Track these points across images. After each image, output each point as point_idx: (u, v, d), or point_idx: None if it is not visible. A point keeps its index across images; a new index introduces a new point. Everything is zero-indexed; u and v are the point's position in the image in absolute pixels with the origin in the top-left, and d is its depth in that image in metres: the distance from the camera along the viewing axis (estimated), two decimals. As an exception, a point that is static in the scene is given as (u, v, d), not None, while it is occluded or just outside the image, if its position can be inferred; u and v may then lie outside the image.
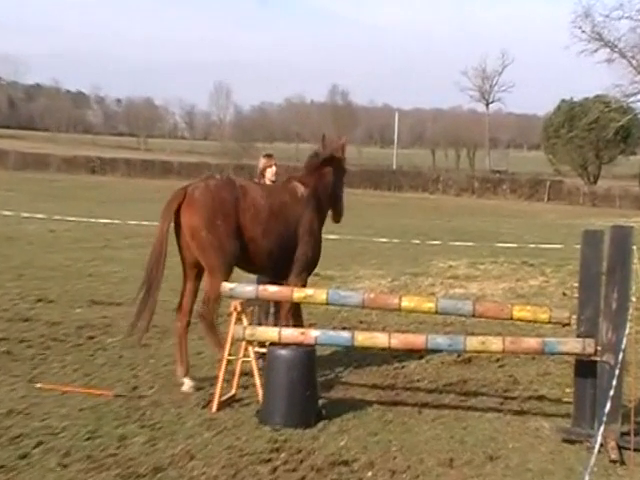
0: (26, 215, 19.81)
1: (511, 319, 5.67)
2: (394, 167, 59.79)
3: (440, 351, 7.04)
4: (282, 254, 6.51)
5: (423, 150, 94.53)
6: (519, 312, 5.58)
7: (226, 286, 6.06)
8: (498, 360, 7.64)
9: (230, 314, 6.08)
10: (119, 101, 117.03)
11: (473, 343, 5.55)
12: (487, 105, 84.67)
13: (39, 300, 9.77)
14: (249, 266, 6.66)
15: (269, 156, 7.57)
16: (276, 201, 6.59)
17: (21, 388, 6.25)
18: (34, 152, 53.62)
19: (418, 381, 6.95)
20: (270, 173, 7.45)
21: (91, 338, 8.00)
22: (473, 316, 5.72)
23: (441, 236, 19.70)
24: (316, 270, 13.49)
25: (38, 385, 6.29)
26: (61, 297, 10.09)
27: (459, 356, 7.64)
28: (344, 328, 8.56)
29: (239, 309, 5.97)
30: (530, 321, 5.75)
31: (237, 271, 6.72)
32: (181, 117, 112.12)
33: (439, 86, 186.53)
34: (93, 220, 19.52)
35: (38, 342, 7.74)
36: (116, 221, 19.07)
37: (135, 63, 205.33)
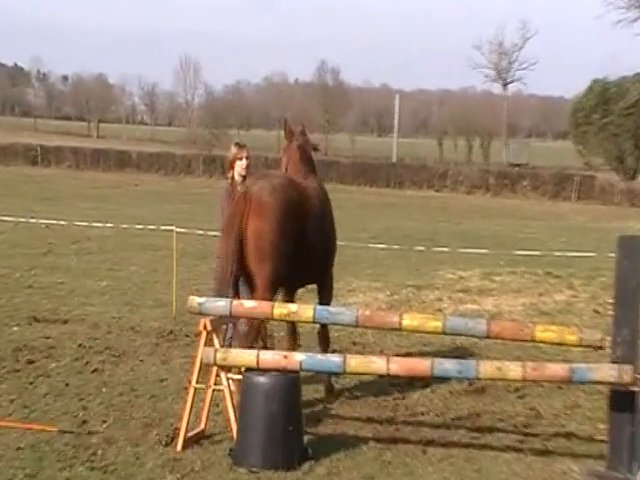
0: (-48, 214, 19.69)
1: (533, 341, 5.70)
2: (394, 159, 59.93)
3: (448, 379, 7.06)
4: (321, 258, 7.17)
5: (428, 139, 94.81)
6: (542, 333, 5.61)
7: (194, 300, 6.05)
8: (517, 390, 7.66)
9: (199, 334, 6.07)
10: (65, 78, 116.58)
11: (487, 369, 5.57)
12: (505, 86, 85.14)
13: (-32, 317, 9.72)
14: (291, 278, 6.86)
15: (240, 146, 7.57)
16: (323, 200, 7.17)
17: (-54, 422, 6.21)
18: (-38, 139, 53.36)
19: (422, 414, 6.97)
20: (240, 166, 7.42)
21: (31, 362, 7.96)
22: (487, 337, 5.74)
23: (449, 242, 19.76)
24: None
25: (-34, 419, 6.25)
26: (-5, 313, 10.04)
27: (471, 385, 7.65)
28: (334, 351, 8.56)
29: (209, 328, 5.97)
30: (556, 343, 5.78)
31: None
32: (140, 98, 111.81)
33: (447, 63, 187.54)
34: (33, 221, 19.38)
35: (-34, 367, 7.69)
36: (61, 222, 18.92)
37: (84, 33, 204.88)
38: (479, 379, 6.08)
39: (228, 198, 7.15)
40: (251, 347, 6.29)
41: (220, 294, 6.38)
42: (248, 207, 6.48)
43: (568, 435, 6.58)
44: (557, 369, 5.63)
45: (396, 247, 17.71)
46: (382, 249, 17.29)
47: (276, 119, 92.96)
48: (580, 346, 5.71)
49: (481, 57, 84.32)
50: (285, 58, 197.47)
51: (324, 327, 7.52)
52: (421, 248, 17.93)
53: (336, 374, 7.16)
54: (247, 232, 6.47)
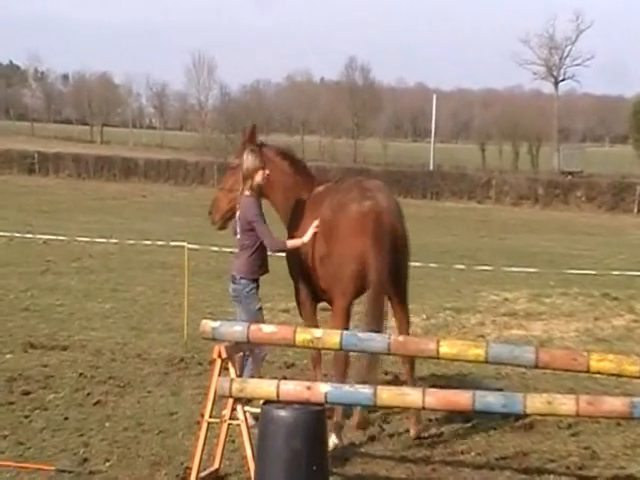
0: (-59, 229, 19.96)
1: (588, 372, 5.66)
2: (431, 167, 59.94)
3: (492, 414, 7.03)
4: None
5: (469, 145, 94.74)
6: (598, 362, 5.57)
7: (207, 324, 6.09)
8: (570, 426, 7.63)
9: (212, 362, 6.10)
10: (65, 78, 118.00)
11: (536, 403, 5.55)
12: (556, 84, 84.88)
13: (-43, 342, 9.84)
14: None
15: (257, 154, 7.60)
16: None
17: None
18: (-47, 145, 54.12)
19: (462, 453, 6.95)
20: (261, 176, 7.43)
21: (26, 394, 8.04)
22: (536, 367, 5.72)
23: (493, 259, 19.71)
24: (325, 305, 13.59)
25: (-44, 455, 6.31)
26: (-13, 338, 10.15)
27: (517, 420, 7.63)
28: (364, 381, 8.55)
29: (224, 355, 6.00)
30: (614, 375, 5.74)
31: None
32: (148, 100, 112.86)
33: (491, 60, 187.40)
34: (30, 236, 19.60)
35: (-44, 398, 7.78)
36: (61, 237, 19.13)
37: (87, 27, 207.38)
38: (527, 414, 6.05)
39: (259, 210, 7.30)
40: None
41: (378, 329, 6.85)
42: (389, 228, 7.09)
43: (628, 478, 6.52)
44: (615, 403, 5.59)
45: (433, 265, 17.67)
46: (418, 267, 17.16)
47: (299, 122, 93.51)
48: (641, 377, 5.67)
49: (529, 52, 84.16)
50: (310, 55, 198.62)
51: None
52: (461, 266, 17.91)
53: (366, 407, 7.15)
54: (395, 256, 7.09)
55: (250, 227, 7.28)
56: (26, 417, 7.37)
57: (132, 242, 14.86)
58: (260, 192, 7.50)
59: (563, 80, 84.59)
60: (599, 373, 5.79)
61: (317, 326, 7.52)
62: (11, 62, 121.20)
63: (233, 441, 6.58)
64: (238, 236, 7.40)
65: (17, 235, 19.15)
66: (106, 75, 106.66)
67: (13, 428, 7.07)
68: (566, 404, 5.53)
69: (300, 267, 7.59)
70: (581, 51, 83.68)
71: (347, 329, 6.94)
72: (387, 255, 7.03)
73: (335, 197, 7.34)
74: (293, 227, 7.64)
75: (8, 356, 9.40)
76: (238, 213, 7.37)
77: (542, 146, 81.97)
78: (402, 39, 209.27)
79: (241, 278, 7.38)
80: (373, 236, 7.02)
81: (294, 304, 12.91)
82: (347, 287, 7.30)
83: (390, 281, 7.19)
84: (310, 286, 7.70)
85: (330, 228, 7.19)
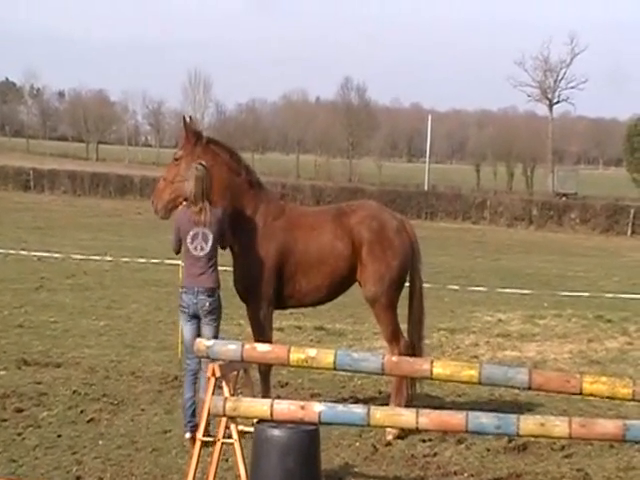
0: (-64, 244, 19.94)
1: (581, 394, 5.67)
2: (425, 187, 60.10)
3: (485, 435, 7.03)
4: None
5: (464, 165, 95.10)
6: (592, 385, 5.59)
7: (201, 343, 6.10)
8: (563, 448, 7.63)
9: (207, 381, 6.11)
10: (61, 95, 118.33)
11: (529, 425, 5.56)
12: (550, 106, 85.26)
13: (-50, 359, 9.82)
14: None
15: None
16: None
17: None
18: (-52, 161, 54.09)
19: (456, 474, 6.95)
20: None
21: (19, 411, 8.01)
22: (529, 389, 5.73)
23: (487, 280, 19.73)
24: (321, 323, 13.62)
25: (-52, 473, 6.30)
26: (-20, 355, 10.13)
27: (510, 442, 7.62)
28: (357, 401, 8.56)
29: (218, 374, 6.00)
30: (607, 397, 5.76)
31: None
32: (144, 117, 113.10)
33: (486, 81, 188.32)
34: (24, 253, 19.62)
35: (-51, 415, 7.77)
36: (55, 254, 19.17)
37: (84, 44, 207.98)
38: (520, 436, 6.05)
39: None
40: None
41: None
42: (416, 247, 8.34)
43: (621, 500, 6.52)
44: (608, 426, 5.60)
45: (427, 285, 17.60)
46: (412, 288, 17.25)
47: (295, 141, 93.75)
48: (635, 400, 5.68)
49: (524, 74, 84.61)
50: (305, 74, 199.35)
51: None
52: (455, 287, 17.93)
53: (360, 426, 7.15)
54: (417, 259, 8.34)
55: (222, 237, 7.46)
56: (19, 434, 7.36)
57: (127, 260, 14.87)
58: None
59: (557, 102, 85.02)
60: (592, 395, 5.81)
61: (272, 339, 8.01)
62: (7, 79, 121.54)
63: (227, 460, 6.58)
64: (206, 250, 7.37)
65: (12, 252, 19.17)
66: (102, 92, 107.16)
67: (6, 445, 7.05)
68: (559, 426, 5.54)
69: (286, 278, 7.91)
70: (575, 74, 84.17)
71: None
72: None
73: (367, 218, 8.07)
74: (250, 241, 7.83)
75: (1, 373, 9.37)
76: (205, 226, 7.35)
77: (536, 167, 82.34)
78: (398, 60, 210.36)
79: (218, 291, 7.49)
80: (417, 249, 8.36)
81: (289, 322, 13.08)
82: (399, 293, 8.27)
83: None
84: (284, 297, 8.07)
85: (371, 244, 7.95)
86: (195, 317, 7.43)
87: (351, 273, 8.01)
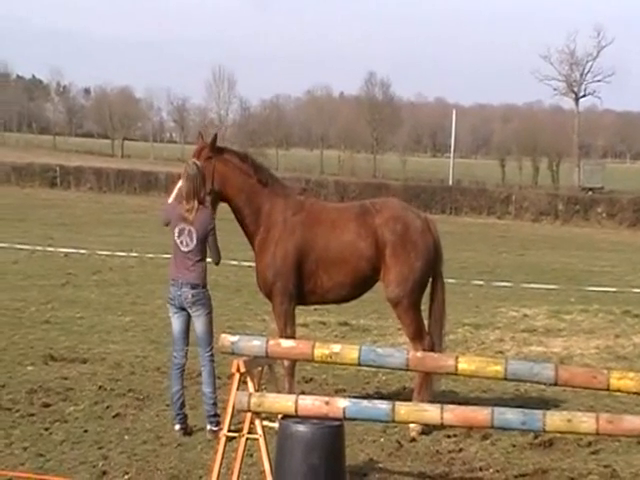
0: (-37, 241, 20.14)
1: (608, 389, 5.64)
2: (450, 182, 59.89)
3: (511, 430, 7.00)
4: None
5: (489, 160, 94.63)
6: (619, 380, 5.54)
7: (226, 339, 6.11)
8: (590, 444, 7.57)
9: (231, 376, 6.12)
10: (87, 92, 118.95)
11: (555, 421, 5.52)
12: (577, 100, 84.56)
13: (-22, 354, 9.91)
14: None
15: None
16: None
17: (-47, 471, 6.32)
18: (-25, 158, 54.56)
19: (481, 469, 6.92)
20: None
21: (46, 406, 8.09)
22: (555, 384, 5.70)
23: (512, 275, 19.64)
24: (345, 319, 13.61)
25: (-25, 467, 6.36)
26: (7, 351, 10.23)
27: (536, 437, 7.59)
28: (382, 397, 8.55)
29: (243, 369, 6.01)
30: (634, 393, 5.71)
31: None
32: (169, 114, 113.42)
33: (511, 75, 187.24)
34: (51, 249, 19.78)
35: (-24, 410, 7.84)
36: (81, 251, 19.32)
37: (109, 42, 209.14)
38: (546, 431, 6.02)
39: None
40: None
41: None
42: (439, 247, 8.28)
43: (648, 497, 6.47)
44: (636, 422, 5.55)
45: (452, 281, 17.63)
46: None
47: (319, 137, 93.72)
48: (661, 396, 5.63)
49: (549, 68, 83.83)
50: (329, 70, 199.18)
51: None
52: (480, 282, 17.88)
53: (384, 422, 7.14)
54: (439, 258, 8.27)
55: (206, 237, 7.52)
56: (46, 429, 7.42)
57: (152, 256, 14.93)
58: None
59: (584, 96, 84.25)
60: (619, 391, 5.77)
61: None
62: (34, 76, 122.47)
63: (251, 455, 6.59)
64: (190, 247, 7.48)
65: (38, 248, 19.34)
66: (127, 89, 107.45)
67: (33, 440, 7.11)
68: (586, 422, 5.50)
69: (313, 274, 7.99)
70: (602, 67, 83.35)
71: None
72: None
73: (392, 219, 8.04)
74: (269, 236, 7.94)
75: (29, 368, 9.46)
76: (192, 224, 7.46)
77: (562, 162, 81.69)
78: (422, 54, 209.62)
79: (202, 286, 7.55)
80: (440, 248, 8.28)
81: (313, 318, 13.08)
82: (421, 293, 8.23)
83: None
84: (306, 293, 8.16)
85: (395, 246, 7.93)
86: (182, 309, 7.55)
87: (374, 273, 8.02)
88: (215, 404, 7.51)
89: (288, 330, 8.00)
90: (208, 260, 7.62)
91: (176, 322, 7.60)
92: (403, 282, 7.94)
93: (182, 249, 7.50)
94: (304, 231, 7.95)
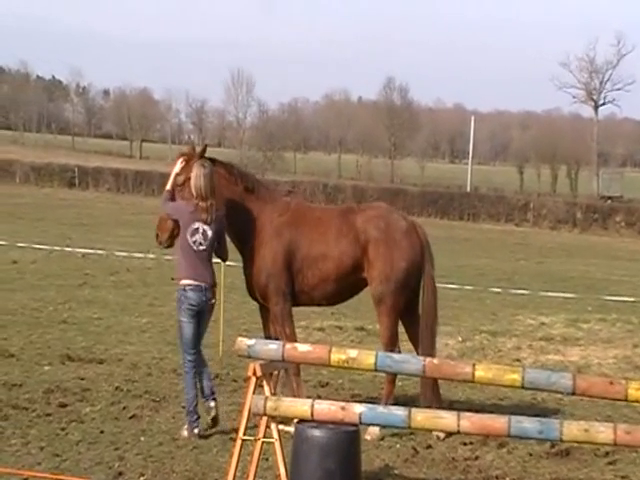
0: (-19, 240, 20.26)
1: (626, 400, 5.61)
2: (468, 189, 59.79)
3: (528, 439, 6.97)
4: None
5: (507, 167, 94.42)
6: (637, 391, 5.51)
7: (243, 342, 6.12)
8: (607, 454, 7.53)
9: (247, 379, 6.13)
10: (106, 93, 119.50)
11: (573, 430, 5.50)
12: (596, 108, 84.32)
13: (-5, 354, 9.96)
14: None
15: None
16: None
17: (-30, 470, 6.36)
18: (-6, 157, 54.88)
19: (497, 478, 6.90)
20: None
21: (63, 406, 8.11)
22: (573, 394, 5.67)
23: (530, 283, 19.57)
24: (361, 324, 13.59)
25: (-8, 467, 6.39)
26: (24, 350, 10.27)
27: (553, 447, 7.56)
28: (397, 403, 8.53)
29: (259, 373, 6.02)
30: (652, 403, 5.68)
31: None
32: (187, 116, 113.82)
33: (530, 82, 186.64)
34: (69, 249, 19.87)
35: (-7, 409, 7.88)
36: (99, 251, 19.40)
37: (127, 43, 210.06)
38: (563, 441, 5.99)
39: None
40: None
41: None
42: (428, 252, 8.20)
43: (665, 509, 6.43)
44: (653, 433, 5.52)
45: (469, 287, 17.64)
46: (453, 289, 17.23)
47: (337, 141, 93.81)
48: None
49: (569, 75, 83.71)
50: (348, 74, 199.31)
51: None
52: (498, 289, 17.83)
53: (400, 428, 7.13)
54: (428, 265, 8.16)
55: (219, 237, 7.62)
56: (62, 429, 7.44)
57: (169, 257, 14.94)
58: None
59: (603, 104, 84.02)
60: (637, 401, 5.74)
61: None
62: (54, 77, 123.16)
63: (267, 459, 6.60)
64: (204, 246, 7.54)
65: (56, 248, 19.44)
66: (146, 91, 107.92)
67: (50, 440, 7.14)
68: (604, 432, 5.48)
69: (306, 276, 8.05)
70: (622, 75, 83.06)
71: None
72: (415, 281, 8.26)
73: (374, 218, 8.06)
74: (257, 240, 8.04)
75: (46, 368, 9.50)
76: (208, 224, 7.52)
77: (581, 170, 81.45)
78: (441, 60, 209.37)
79: (215, 286, 7.66)
80: (429, 252, 8.24)
81: (329, 322, 13.08)
82: (404, 297, 8.11)
83: None
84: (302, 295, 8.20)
85: (377, 244, 7.94)
86: (198, 314, 7.57)
87: (357, 270, 8.04)
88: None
89: (287, 329, 8.04)
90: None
91: (191, 327, 7.59)
92: (385, 280, 7.95)
93: (195, 249, 7.52)
94: (290, 231, 8.08)
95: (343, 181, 62.97)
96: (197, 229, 7.52)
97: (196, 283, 7.50)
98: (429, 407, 7.10)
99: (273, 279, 7.99)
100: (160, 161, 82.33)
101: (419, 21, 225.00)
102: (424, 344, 8.12)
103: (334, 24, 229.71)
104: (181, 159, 8.01)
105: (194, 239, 7.53)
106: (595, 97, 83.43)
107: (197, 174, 7.60)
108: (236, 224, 8.10)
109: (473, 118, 68.23)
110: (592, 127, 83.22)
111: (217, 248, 7.73)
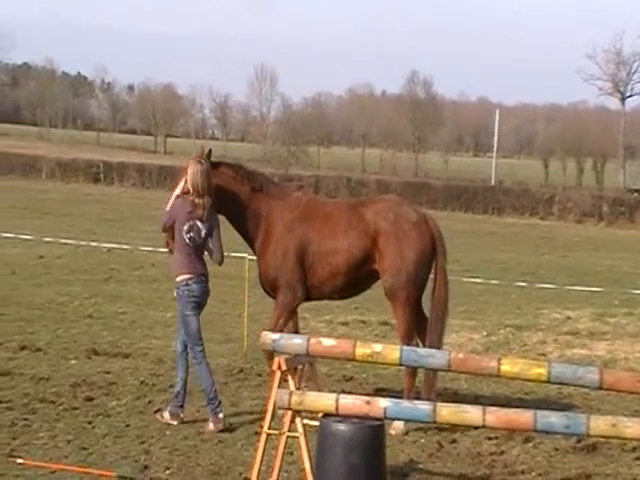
0: (7, 235, 20.40)
1: (653, 394, 5.57)
2: (492, 182, 59.47)
3: (554, 434, 6.94)
4: None
5: (532, 160, 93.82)
6: (665, 385, 5.47)
7: (267, 336, 6.13)
8: (634, 449, 7.49)
9: (272, 374, 6.14)
10: (131, 88, 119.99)
11: (600, 425, 5.47)
12: (623, 100, 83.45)
13: (22, 348, 10.04)
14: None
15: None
16: None
17: (-3, 463, 6.42)
18: (20, 152, 55.31)
19: (523, 473, 6.88)
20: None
21: (89, 400, 8.18)
22: (600, 388, 5.64)
23: (555, 277, 19.46)
24: (385, 318, 13.57)
25: (19, 461, 6.45)
26: (51, 345, 10.36)
27: (579, 442, 7.53)
28: (417, 398, 8.52)
29: (284, 367, 6.02)
30: (680, 398, 5.64)
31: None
32: (211, 111, 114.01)
33: (555, 75, 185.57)
34: (94, 244, 19.96)
35: (20, 403, 7.95)
36: (124, 246, 19.43)
37: (152, 39, 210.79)
38: (590, 436, 5.97)
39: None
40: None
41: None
42: (440, 244, 8.14)
43: (693, 505, 6.37)
44: (681, 427, 5.48)
45: (494, 282, 17.54)
46: (478, 283, 17.15)
47: (360, 135, 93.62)
48: None
49: (595, 67, 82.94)
50: (371, 68, 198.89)
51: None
52: (523, 283, 17.72)
53: (425, 423, 7.11)
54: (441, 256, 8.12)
55: (211, 234, 7.72)
56: (89, 423, 7.51)
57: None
58: None
59: (630, 96, 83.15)
60: (665, 396, 5.69)
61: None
62: (79, 73, 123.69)
63: (291, 453, 6.61)
64: (198, 242, 7.66)
65: (82, 243, 19.52)
66: (170, 86, 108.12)
67: (77, 433, 7.20)
68: (631, 427, 5.44)
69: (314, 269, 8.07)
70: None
71: None
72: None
73: (384, 210, 8.08)
74: (269, 237, 8.12)
75: (73, 362, 9.58)
76: (203, 220, 7.61)
77: (607, 163, 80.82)
78: (465, 53, 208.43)
79: None
80: (441, 244, 8.22)
81: (353, 317, 13.07)
82: (417, 289, 8.09)
83: None
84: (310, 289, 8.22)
85: (387, 235, 7.91)
86: (199, 306, 7.70)
87: (368, 262, 8.02)
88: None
89: (281, 322, 8.07)
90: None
91: (195, 319, 7.72)
92: (396, 273, 7.93)
93: (191, 245, 7.62)
94: (301, 226, 8.09)
95: (367, 175, 62.80)
96: (192, 226, 7.62)
97: (198, 275, 7.62)
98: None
99: (284, 273, 8.03)
100: (184, 156, 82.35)
101: (443, 14, 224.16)
102: (433, 336, 8.08)
103: (358, 17, 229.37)
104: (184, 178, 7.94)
105: (189, 235, 7.62)
106: (622, 89, 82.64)
107: (194, 170, 7.65)
108: (246, 223, 8.19)
109: (498, 111, 67.80)
110: (619, 119, 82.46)
111: (207, 245, 7.81)
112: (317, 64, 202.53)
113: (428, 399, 7.39)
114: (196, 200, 7.60)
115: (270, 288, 8.25)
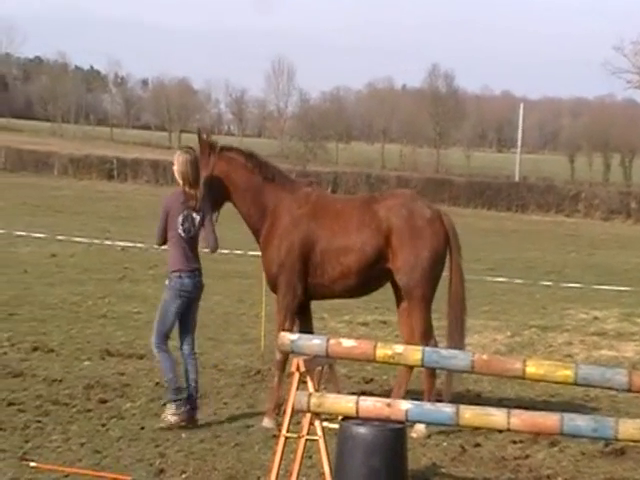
0: (20, 233, 20.54)
1: (684, 397, 5.54)
2: (516, 178, 59.23)
3: (581, 437, 6.91)
4: None
5: (557, 156, 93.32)
6: (696, 387, 5.44)
7: (285, 337, 6.14)
8: (664, 454, 7.45)
9: (290, 375, 6.14)
10: (145, 83, 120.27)
11: (629, 429, 5.44)
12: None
13: (35, 349, 10.09)
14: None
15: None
16: None
17: (9, 468, 6.45)
18: (32, 149, 55.55)
19: (548, 478, 6.85)
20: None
21: (103, 402, 8.21)
22: (628, 390, 5.61)
23: (582, 276, 19.37)
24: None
25: (32, 464, 6.47)
26: (64, 345, 10.40)
27: (607, 446, 7.48)
28: (438, 400, 8.50)
29: (302, 369, 6.03)
30: None
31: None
32: (227, 106, 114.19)
33: (581, 67, 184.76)
34: (108, 242, 20.07)
35: (33, 405, 7.98)
36: (138, 244, 19.54)
37: (167, 33, 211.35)
38: (618, 440, 5.94)
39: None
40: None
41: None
42: (455, 240, 8.08)
43: None
44: None
45: (518, 281, 17.49)
46: (501, 283, 17.11)
47: (380, 131, 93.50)
48: None
49: (622, 60, 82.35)
50: (391, 61, 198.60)
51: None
52: (548, 283, 17.66)
53: (448, 426, 7.10)
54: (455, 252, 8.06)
55: (202, 224, 7.76)
56: (103, 425, 7.53)
57: (207, 251, 14.98)
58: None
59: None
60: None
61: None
62: (92, 67, 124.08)
63: (310, 457, 6.61)
64: (192, 234, 7.76)
65: (96, 241, 19.64)
66: (185, 81, 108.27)
67: (90, 436, 7.22)
68: (661, 431, 5.41)
69: (319, 265, 8.02)
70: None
71: None
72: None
73: (397, 206, 7.98)
74: (274, 231, 8.08)
75: (86, 363, 9.61)
76: (196, 210, 7.69)
77: (635, 158, 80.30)
78: (488, 46, 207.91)
79: None
80: (456, 241, 8.16)
81: (373, 317, 13.06)
82: (432, 287, 8.06)
83: None
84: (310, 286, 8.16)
85: (400, 232, 7.87)
86: (189, 303, 7.81)
87: (381, 260, 7.97)
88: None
89: (287, 324, 8.05)
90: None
91: (177, 316, 7.80)
92: (410, 270, 7.89)
93: (184, 236, 7.68)
94: (309, 223, 8.04)
95: (387, 171, 62.75)
96: (187, 217, 7.68)
97: (190, 270, 7.72)
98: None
99: (285, 271, 8.00)
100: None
101: (465, 5, 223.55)
102: (454, 337, 8.05)
103: (377, 10, 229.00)
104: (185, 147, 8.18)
105: (184, 227, 7.68)
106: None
107: (182, 160, 7.73)
108: (255, 214, 8.15)
109: (522, 105, 67.51)
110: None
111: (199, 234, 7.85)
112: (336, 58, 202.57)
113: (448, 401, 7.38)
114: (188, 190, 7.65)
115: (271, 285, 8.24)
